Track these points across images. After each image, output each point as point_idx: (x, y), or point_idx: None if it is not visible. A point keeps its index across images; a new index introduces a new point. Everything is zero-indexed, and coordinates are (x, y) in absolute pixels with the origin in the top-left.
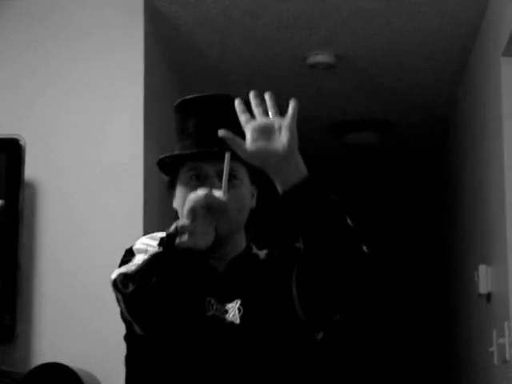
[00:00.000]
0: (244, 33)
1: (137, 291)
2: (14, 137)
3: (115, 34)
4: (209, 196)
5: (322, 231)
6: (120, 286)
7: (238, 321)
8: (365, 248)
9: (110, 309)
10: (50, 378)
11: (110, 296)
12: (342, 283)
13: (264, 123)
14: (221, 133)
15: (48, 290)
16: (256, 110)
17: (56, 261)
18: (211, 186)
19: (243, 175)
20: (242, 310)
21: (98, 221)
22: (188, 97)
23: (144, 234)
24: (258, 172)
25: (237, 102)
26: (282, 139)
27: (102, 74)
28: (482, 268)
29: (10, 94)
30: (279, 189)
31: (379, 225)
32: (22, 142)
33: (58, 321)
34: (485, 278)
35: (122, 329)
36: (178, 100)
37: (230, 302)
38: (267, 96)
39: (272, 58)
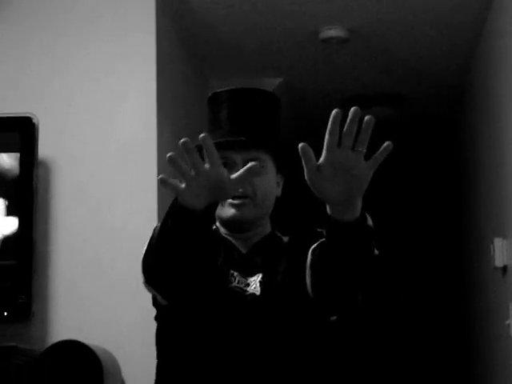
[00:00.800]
0: (256, 7)
1: (149, 253)
2: (27, 115)
3: (128, 11)
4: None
5: (352, 255)
6: (143, 256)
7: (258, 292)
8: (376, 251)
9: (126, 285)
10: (67, 356)
11: (125, 273)
12: (352, 282)
13: (341, 161)
14: (301, 146)
15: (63, 269)
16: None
17: (71, 239)
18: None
19: (269, 164)
20: (262, 283)
21: (112, 199)
22: (221, 89)
23: (158, 210)
24: (284, 162)
25: (302, 148)
26: (353, 184)
27: (114, 52)
28: (498, 241)
29: (23, 73)
30: (328, 210)
31: (394, 198)
32: (34, 121)
33: (74, 299)
34: (500, 251)
35: (136, 305)
36: (211, 92)
37: (252, 276)
38: (367, 123)
39: (285, 33)
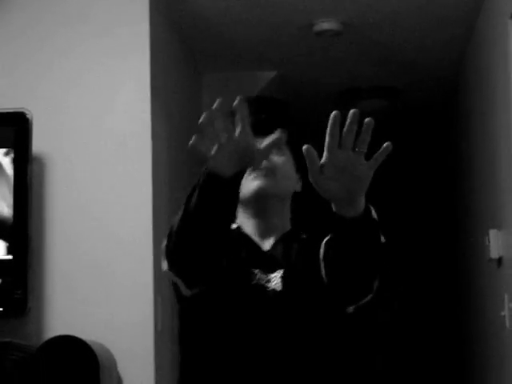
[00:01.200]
0: (250, 1)
1: (173, 235)
2: (21, 111)
3: (121, 4)
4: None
5: (359, 247)
6: (166, 241)
7: (280, 288)
8: (382, 238)
9: (122, 281)
10: (63, 351)
11: (121, 267)
12: (365, 270)
13: (343, 161)
14: (305, 148)
15: (59, 264)
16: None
17: (66, 233)
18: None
19: (289, 156)
20: (284, 278)
21: (107, 193)
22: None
23: (153, 204)
24: (303, 160)
25: (307, 150)
26: (355, 183)
27: (108, 46)
28: (493, 232)
29: (17, 68)
30: (333, 208)
31: (389, 191)
32: (28, 116)
33: (70, 294)
34: (495, 243)
35: (132, 301)
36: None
37: (273, 272)
38: (367, 125)
39: (278, 26)
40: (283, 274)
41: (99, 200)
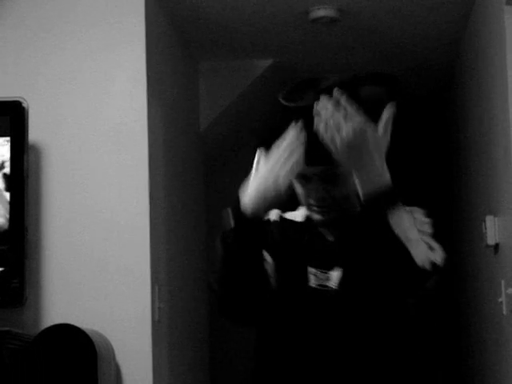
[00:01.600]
0: None
1: (225, 281)
2: (17, 99)
3: None
4: None
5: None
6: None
7: (338, 287)
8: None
9: (119, 270)
10: (61, 340)
11: (118, 256)
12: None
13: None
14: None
15: (56, 253)
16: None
17: (62, 223)
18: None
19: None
20: (343, 277)
21: (103, 181)
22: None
23: (150, 193)
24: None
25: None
26: (372, 154)
27: (103, 35)
28: (490, 219)
29: (13, 58)
30: (360, 191)
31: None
32: (24, 105)
33: (67, 283)
34: (492, 229)
35: (129, 289)
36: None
37: (333, 269)
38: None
39: (274, 14)
40: (343, 271)
41: (96, 189)
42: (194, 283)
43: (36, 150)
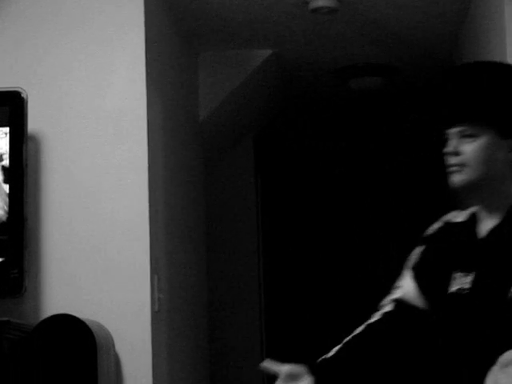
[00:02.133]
0: None
1: None
2: (16, 89)
3: None
4: None
5: None
6: None
7: (469, 290)
8: None
9: (118, 260)
10: (60, 330)
11: (117, 247)
12: None
13: None
14: None
15: (55, 243)
16: None
17: (62, 212)
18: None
19: (481, 132)
20: (476, 278)
21: (102, 172)
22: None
23: (149, 183)
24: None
25: None
26: None
27: (103, 25)
28: None
29: (12, 48)
30: None
31: (383, 169)
32: (23, 95)
33: (66, 273)
34: None
35: (129, 280)
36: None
37: (474, 271)
38: None
39: (274, 4)
40: (478, 274)
41: (95, 179)
42: (193, 273)
43: (35, 141)
